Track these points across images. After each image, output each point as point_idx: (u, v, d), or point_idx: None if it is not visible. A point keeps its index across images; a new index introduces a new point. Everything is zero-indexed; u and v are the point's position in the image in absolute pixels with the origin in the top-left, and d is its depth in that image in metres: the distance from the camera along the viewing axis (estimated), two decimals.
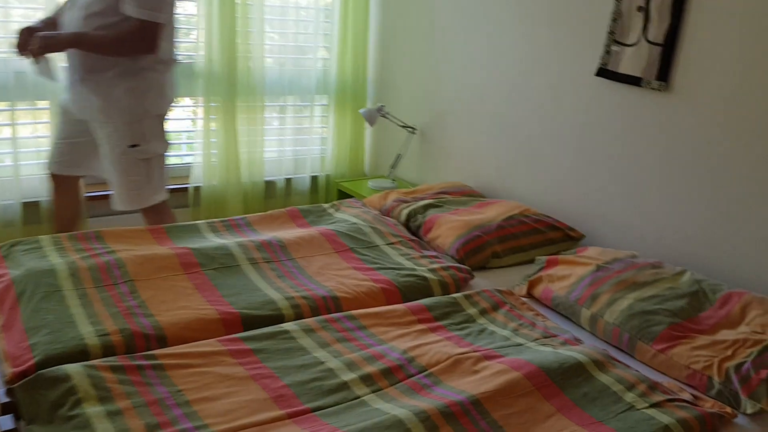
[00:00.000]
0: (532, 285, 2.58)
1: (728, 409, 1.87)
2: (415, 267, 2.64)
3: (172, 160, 3.94)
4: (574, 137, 3.14)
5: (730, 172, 2.56)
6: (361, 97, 4.29)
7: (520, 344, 2.12)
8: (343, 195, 4.09)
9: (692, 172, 2.68)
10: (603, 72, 2.93)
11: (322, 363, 1.90)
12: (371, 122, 3.81)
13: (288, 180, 4.20)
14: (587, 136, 3.08)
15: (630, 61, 2.82)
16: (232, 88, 3.78)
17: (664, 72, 2.71)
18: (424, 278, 2.55)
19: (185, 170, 3.93)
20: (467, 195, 3.38)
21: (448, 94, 3.81)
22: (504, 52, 3.44)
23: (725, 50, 2.53)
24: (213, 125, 3.80)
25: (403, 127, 3.96)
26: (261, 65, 3.88)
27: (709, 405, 1.90)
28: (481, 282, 2.69)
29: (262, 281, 2.41)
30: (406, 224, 3.11)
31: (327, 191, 4.31)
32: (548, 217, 3.05)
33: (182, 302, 2.22)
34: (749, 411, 1.89)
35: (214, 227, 2.88)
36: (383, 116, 3.89)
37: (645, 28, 2.75)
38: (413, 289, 2.50)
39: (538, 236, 2.94)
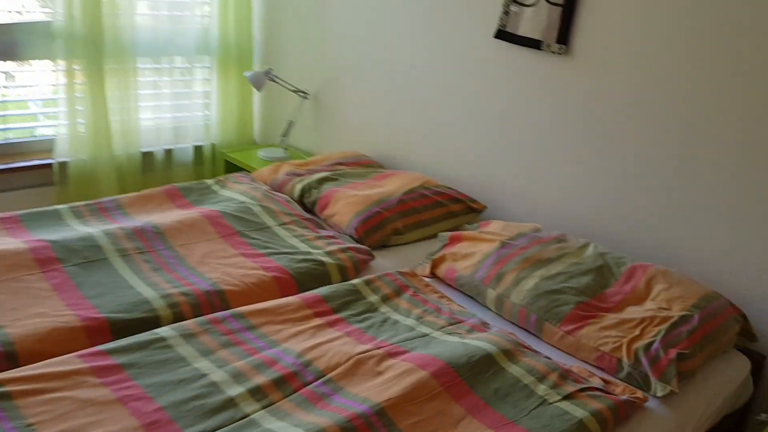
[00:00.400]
0: (435, 264, 2.43)
1: (639, 394, 1.81)
2: (311, 250, 2.42)
3: (30, 133, 3.48)
4: (472, 104, 2.99)
5: (631, 140, 2.49)
6: (247, 59, 3.95)
7: (426, 334, 1.97)
8: (231, 167, 3.78)
9: (593, 139, 2.60)
10: (501, 34, 2.78)
11: (205, 376, 1.66)
12: (258, 86, 3.51)
13: (168, 151, 3.83)
14: (486, 103, 2.93)
15: (529, 23, 2.68)
16: (98, 50, 3.34)
17: (564, 34, 2.59)
18: (321, 263, 2.34)
19: (47, 144, 3.48)
20: (365, 166, 3.18)
21: (341, 56, 3.55)
22: (399, 13, 3.22)
23: (627, 12, 2.43)
24: (78, 92, 3.37)
25: (295, 91, 3.68)
26: (131, 23, 3.45)
27: (620, 390, 1.82)
28: (383, 263, 2.52)
29: (134, 277, 2.12)
30: (300, 201, 2.88)
31: (213, 163, 3.97)
32: (449, 188, 2.91)
33: (37, 308, 1.90)
34: (660, 393, 1.83)
35: (79, 212, 2.53)
36: (272, 80, 3.59)
37: None
38: (309, 275, 2.29)
39: (440, 209, 2.79)
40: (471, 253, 2.38)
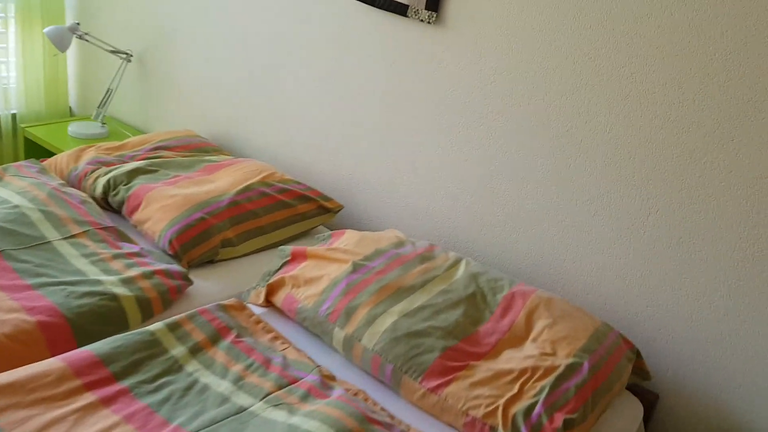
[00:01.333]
0: (272, 289, 1.91)
1: None
2: (102, 277, 1.82)
3: None
4: (327, 76, 2.45)
5: (507, 122, 2.06)
6: (57, 11, 3.17)
7: (243, 409, 1.46)
8: (34, 147, 3.03)
9: (464, 120, 2.14)
10: None
11: None
12: (61, 46, 2.77)
13: None
14: (343, 76, 2.40)
15: None
16: None
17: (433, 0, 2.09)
18: (113, 296, 1.75)
19: None
20: (195, 150, 2.57)
21: (171, 10, 2.88)
22: None
23: None
24: None
25: (113, 52, 2.97)
26: None
27: None
28: (206, 289, 1.97)
29: None
30: (104, 201, 2.24)
31: (14, 140, 3.20)
32: (298, 183, 2.37)
33: None
34: None
35: None
36: (80, 38, 2.85)
37: None
38: (94, 317, 1.69)
39: (285, 211, 2.26)
40: (316, 278, 1.87)
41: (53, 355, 1.60)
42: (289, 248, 2.01)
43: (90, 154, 2.41)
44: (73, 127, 2.96)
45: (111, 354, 1.53)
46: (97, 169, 2.32)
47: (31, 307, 1.65)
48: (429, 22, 2.12)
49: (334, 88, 2.43)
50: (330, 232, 2.16)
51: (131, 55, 3.00)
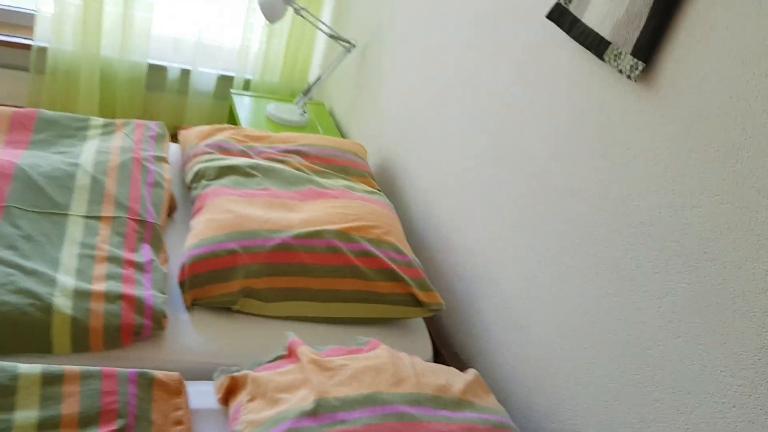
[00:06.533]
0: (234, 386, 1.33)
1: None
2: (65, 278, 1.45)
3: None
4: (488, 121, 1.71)
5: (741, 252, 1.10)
6: None
7: None
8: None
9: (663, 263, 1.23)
10: (558, 14, 1.45)
11: None
12: (271, 17, 2.49)
13: (186, 72, 3.02)
14: (500, 124, 1.64)
15: (603, 4, 1.33)
16: None
17: (648, 42, 1.22)
18: (46, 307, 1.37)
19: (28, 19, 2.86)
20: (335, 167, 2.06)
21: (401, 8, 2.40)
22: None
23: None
24: None
25: (334, 38, 2.61)
26: None
27: None
28: (198, 339, 1.49)
29: None
30: (190, 189, 1.90)
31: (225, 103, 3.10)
32: (399, 252, 1.71)
33: None
34: None
35: None
36: (296, 13, 2.55)
37: None
38: (5, 323, 1.33)
39: (353, 281, 1.63)
40: (274, 399, 1.23)
41: None
42: (290, 335, 1.39)
43: (221, 135, 2.08)
44: (272, 108, 2.70)
45: None
46: (210, 153, 1.98)
47: None
48: (629, 77, 1.25)
49: (489, 135, 1.68)
50: (369, 339, 1.46)
51: (353, 46, 2.61)
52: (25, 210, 1.59)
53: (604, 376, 1.30)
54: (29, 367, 1.22)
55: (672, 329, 1.16)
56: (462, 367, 1.73)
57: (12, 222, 1.55)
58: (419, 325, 1.74)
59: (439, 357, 1.79)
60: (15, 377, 1.19)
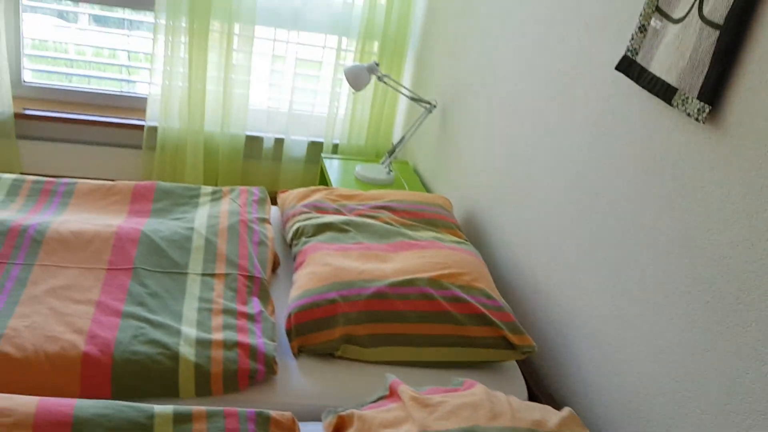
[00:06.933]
0: (341, 424, 1.44)
1: None
2: (188, 329, 1.62)
3: (119, 86, 3.21)
4: (567, 170, 1.80)
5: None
6: (400, 46, 3.15)
7: None
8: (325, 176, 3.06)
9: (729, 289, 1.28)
10: (626, 65, 1.55)
11: None
12: (357, 86, 2.69)
13: (279, 140, 3.27)
14: (577, 172, 1.72)
15: (668, 54, 1.42)
16: (205, 4, 2.90)
17: (712, 85, 1.29)
18: (174, 355, 1.54)
19: (140, 102, 3.19)
20: (422, 221, 2.19)
21: (477, 67, 2.55)
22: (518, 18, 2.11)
23: None
24: (180, 51, 2.98)
25: (416, 100, 2.78)
26: None
27: None
28: (305, 383, 1.61)
29: None
30: (290, 246, 2.07)
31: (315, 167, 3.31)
32: (488, 297, 1.79)
33: None
34: None
35: (16, 188, 2.09)
36: (379, 79, 2.74)
37: None
38: (139, 369, 1.51)
39: (446, 326, 1.72)
40: (393, 422, 1.34)
41: (82, 392, 1.48)
42: (390, 378, 1.50)
43: (315, 196, 2.26)
44: (360, 168, 2.89)
45: (88, 420, 1.31)
46: (307, 213, 2.15)
47: (95, 335, 1.55)
48: (697, 119, 1.32)
49: (573, 181, 1.76)
50: (466, 379, 1.54)
51: (434, 106, 2.77)
52: (151, 270, 1.80)
53: (698, 408, 1.33)
54: (162, 408, 1.38)
55: (759, 357, 1.19)
56: (557, 407, 1.78)
57: (140, 281, 1.75)
58: (513, 368, 1.81)
59: (533, 399, 1.84)
60: (151, 416, 1.35)
